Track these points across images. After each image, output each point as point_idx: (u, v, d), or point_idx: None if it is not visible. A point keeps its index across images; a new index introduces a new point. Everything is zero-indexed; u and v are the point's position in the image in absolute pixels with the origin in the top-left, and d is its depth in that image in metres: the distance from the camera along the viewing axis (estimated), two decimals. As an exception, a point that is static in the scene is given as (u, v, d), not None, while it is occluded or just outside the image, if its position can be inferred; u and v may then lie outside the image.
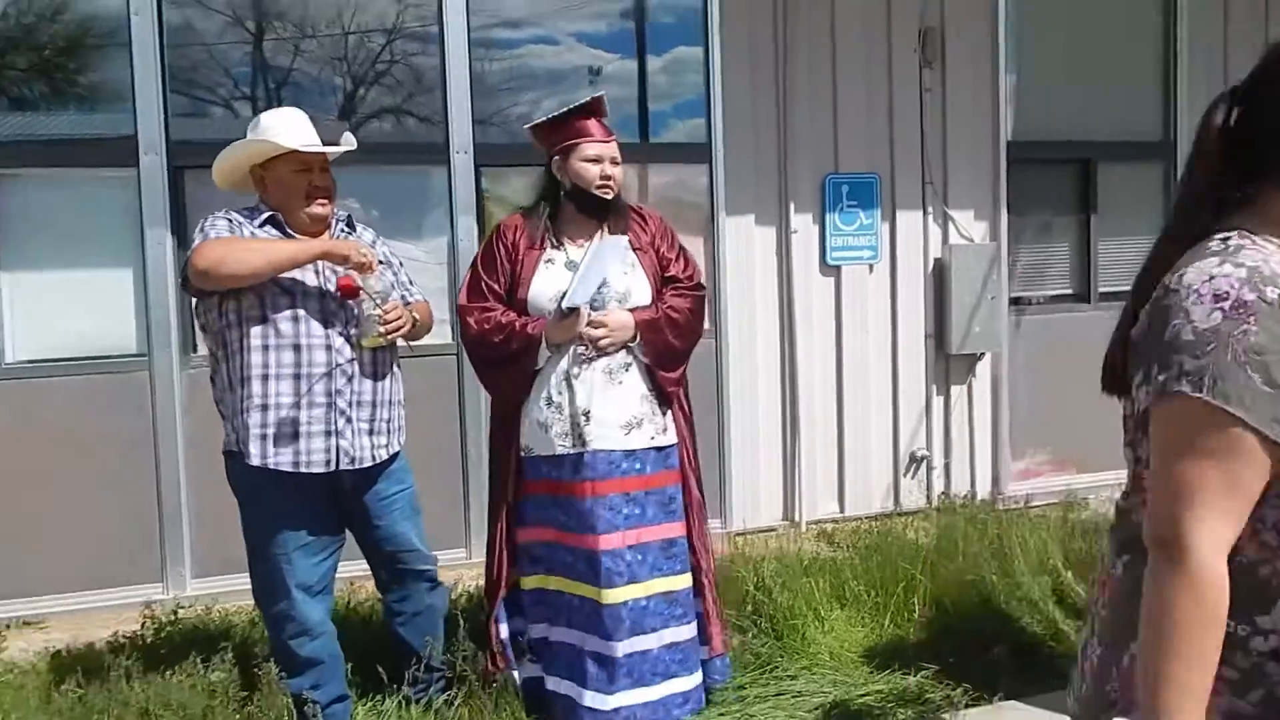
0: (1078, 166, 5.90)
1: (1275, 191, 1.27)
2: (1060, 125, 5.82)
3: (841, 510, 5.53)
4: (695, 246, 5.17)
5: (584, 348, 2.99)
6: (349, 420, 2.95)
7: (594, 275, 2.97)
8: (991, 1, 5.56)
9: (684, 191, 5.30)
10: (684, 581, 3.12)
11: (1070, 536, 4.41)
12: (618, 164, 3.09)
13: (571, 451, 2.99)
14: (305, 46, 4.70)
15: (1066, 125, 5.82)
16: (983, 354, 5.66)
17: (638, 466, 3.04)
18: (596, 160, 3.04)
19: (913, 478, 5.67)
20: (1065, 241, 5.97)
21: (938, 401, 5.66)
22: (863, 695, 3.43)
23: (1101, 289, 5.89)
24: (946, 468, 5.70)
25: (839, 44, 5.33)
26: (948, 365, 5.64)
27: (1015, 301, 5.77)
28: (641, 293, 3.09)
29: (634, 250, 3.13)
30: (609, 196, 3.07)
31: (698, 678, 3.15)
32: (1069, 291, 5.95)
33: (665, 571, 3.07)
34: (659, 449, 3.08)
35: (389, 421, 3.07)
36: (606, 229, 3.11)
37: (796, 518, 5.42)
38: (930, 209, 5.56)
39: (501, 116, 4.98)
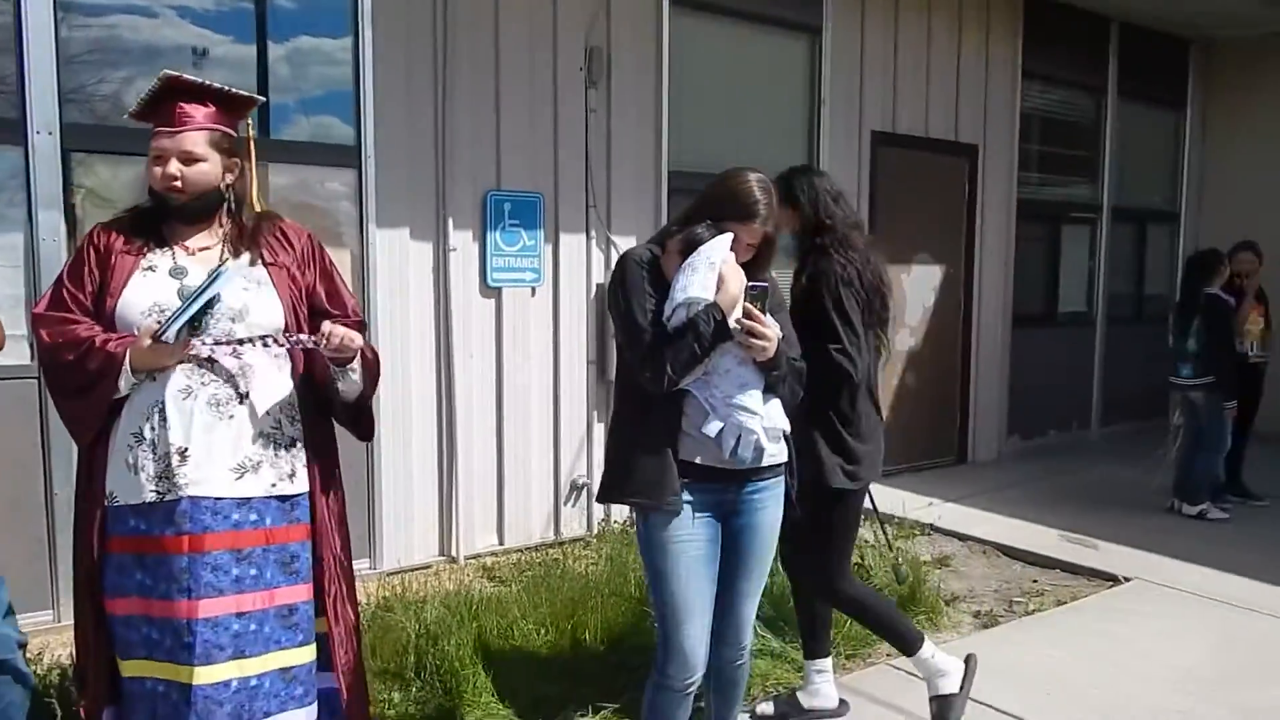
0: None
1: None
2: (717, 158, 5.92)
3: (501, 542, 5.25)
4: (336, 258, 4.68)
5: (189, 375, 2.43)
6: None
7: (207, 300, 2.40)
8: (656, 28, 5.59)
9: (308, 195, 4.72)
10: (306, 655, 2.58)
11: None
12: (194, 161, 2.48)
13: (164, 498, 2.41)
14: None
15: (723, 158, 5.93)
16: (642, 380, 5.61)
17: (253, 518, 2.49)
18: (159, 157, 2.47)
19: (573, 506, 5.50)
20: (718, 271, 6.08)
21: (599, 428, 5.54)
22: (540, 745, 3.20)
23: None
24: (606, 496, 5.59)
25: (502, 54, 5.09)
26: (609, 392, 5.55)
27: (672, 329, 5.78)
28: (266, 311, 2.54)
29: (265, 265, 2.59)
30: (177, 202, 2.49)
31: None
32: (720, 320, 6.05)
33: (284, 644, 2.53)
34: (282, 499, 2.54)
35: None
36: (225, 236, 2.57)
37: (454, 553, 5.06)
38: (594, 232, 5.45)
39: (85, 94, 4.20)
